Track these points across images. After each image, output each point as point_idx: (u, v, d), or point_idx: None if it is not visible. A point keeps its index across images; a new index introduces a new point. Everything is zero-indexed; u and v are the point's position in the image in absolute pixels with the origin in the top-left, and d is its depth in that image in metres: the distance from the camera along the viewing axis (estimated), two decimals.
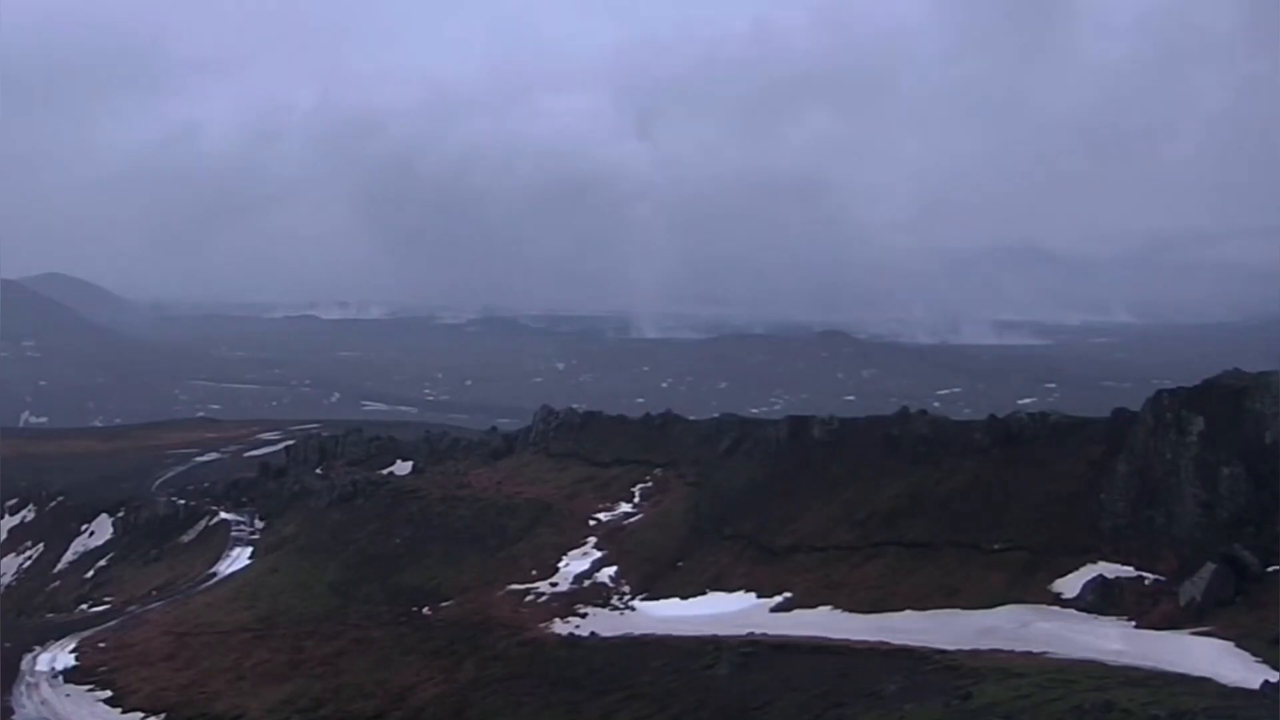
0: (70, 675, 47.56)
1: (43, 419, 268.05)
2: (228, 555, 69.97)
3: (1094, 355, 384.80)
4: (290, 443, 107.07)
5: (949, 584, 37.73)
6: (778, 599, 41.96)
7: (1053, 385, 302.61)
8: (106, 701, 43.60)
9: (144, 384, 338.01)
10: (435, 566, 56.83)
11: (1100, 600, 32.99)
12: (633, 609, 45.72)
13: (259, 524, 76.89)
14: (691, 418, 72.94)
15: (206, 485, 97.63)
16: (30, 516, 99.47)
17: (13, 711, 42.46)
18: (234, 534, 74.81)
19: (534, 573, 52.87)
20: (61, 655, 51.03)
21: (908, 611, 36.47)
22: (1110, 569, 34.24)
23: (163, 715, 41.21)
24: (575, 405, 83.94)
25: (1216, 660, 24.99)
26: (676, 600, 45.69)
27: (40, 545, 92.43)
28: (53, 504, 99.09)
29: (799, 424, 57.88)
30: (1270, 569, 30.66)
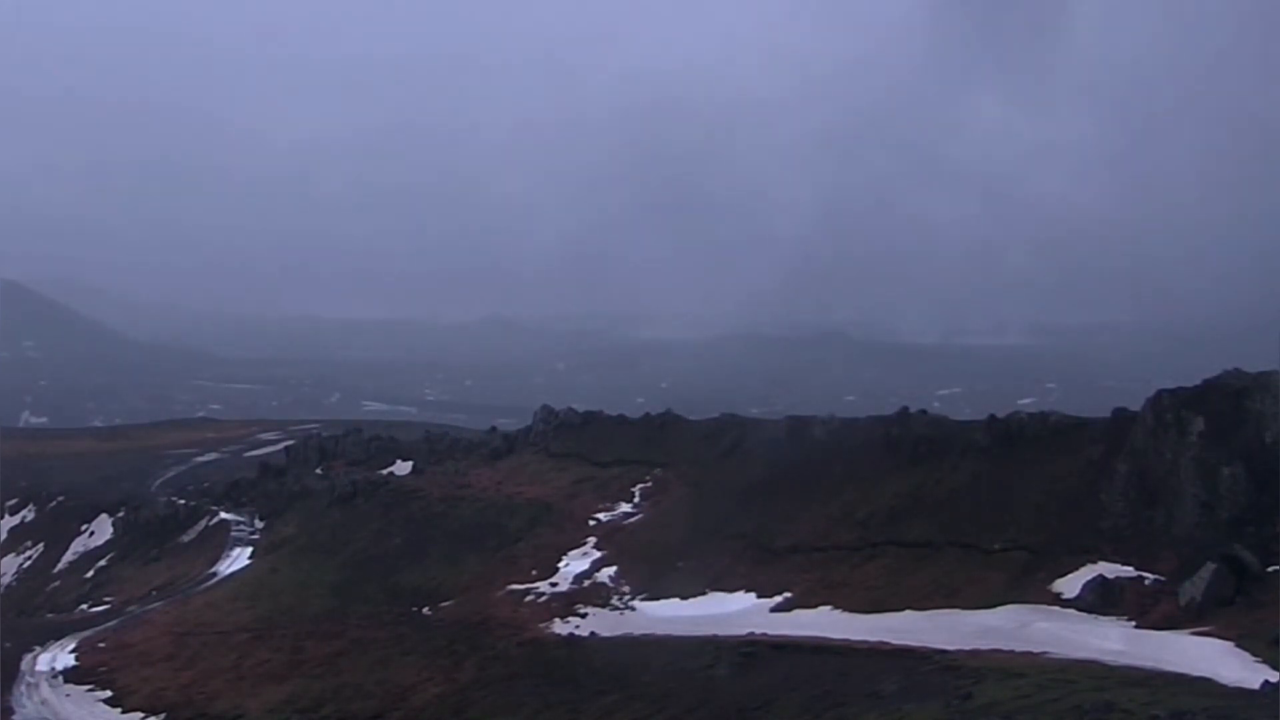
0: (70, 675, 47.57)
1: (43, 419, 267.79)
2: (228, 555, 69.90)
3: (1094, 355, 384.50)
4: (290, 443, 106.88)
5: (949, 584, 37.76)
6: (778, 599, 41.98)
7: (1053, 385, 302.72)
8: (106, 701, 43.64)
9: (144, 384, 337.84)
10: (435, 566, 56.85)
11: (1100, 600, 33.01)
12: (633, 609, 45.73)
13: (259, 524, 76.79)
14: (691, 418, 72.85)
15: (206, 485, 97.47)
16: (30, 516, 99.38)
17: (13, 711, 42.48)
18: (234, 534, 74.71)
19: (534, 573, 52.87)
20: (61, 655, 51.00)
21: (908, 611, 36.48)
22: (1110, 569, 34.27)
23: (163, 715, 41.26)
24: (575, 405, 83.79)
25: (1216, 660, 25.01)
26: (676, 600, 45.69)
27: (40, 545, 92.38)
28: (53, 504, 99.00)
29: (799, 424, 57.89)
30: (1270, 569, 30.70)
